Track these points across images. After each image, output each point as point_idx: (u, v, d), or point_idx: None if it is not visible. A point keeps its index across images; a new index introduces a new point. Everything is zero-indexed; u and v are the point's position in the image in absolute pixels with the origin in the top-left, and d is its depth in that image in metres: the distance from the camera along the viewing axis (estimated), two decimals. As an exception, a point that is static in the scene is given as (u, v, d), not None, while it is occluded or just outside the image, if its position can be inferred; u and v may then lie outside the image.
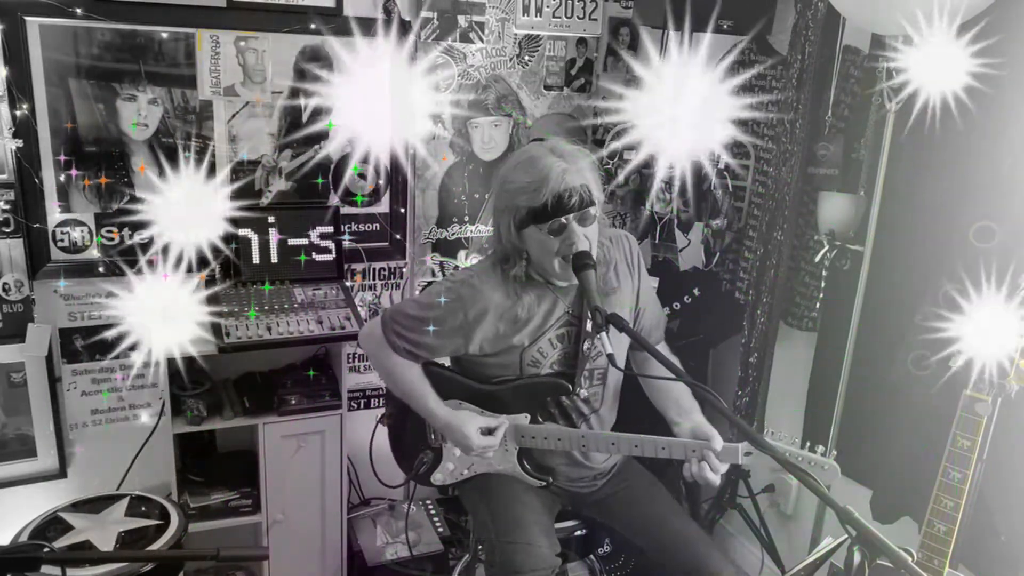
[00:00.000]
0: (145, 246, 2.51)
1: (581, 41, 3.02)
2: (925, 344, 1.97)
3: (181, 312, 2.21)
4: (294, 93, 2.63)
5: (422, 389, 2.03)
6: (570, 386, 1.99)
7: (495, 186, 1.93)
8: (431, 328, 1.96)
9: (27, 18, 2.27)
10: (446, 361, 2.15)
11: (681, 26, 2.51)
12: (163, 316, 2.20)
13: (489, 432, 2.00)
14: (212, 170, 2.55)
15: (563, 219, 1.82)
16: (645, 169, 2.96)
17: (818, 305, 2.45)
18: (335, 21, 2.59)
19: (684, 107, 2.03)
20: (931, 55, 1.75)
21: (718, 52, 2.78)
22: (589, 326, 1.90)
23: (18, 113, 2.31)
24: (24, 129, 2.33)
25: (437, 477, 2.14)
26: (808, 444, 1.80)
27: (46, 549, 1.51)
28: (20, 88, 2.30)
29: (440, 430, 2.06)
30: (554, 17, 2.95)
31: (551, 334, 1.99)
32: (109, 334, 2.32)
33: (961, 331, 1.74)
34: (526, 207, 1.83)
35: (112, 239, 2.53)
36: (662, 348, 2.18)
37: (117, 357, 2.55)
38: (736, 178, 2.69)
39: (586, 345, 1.98)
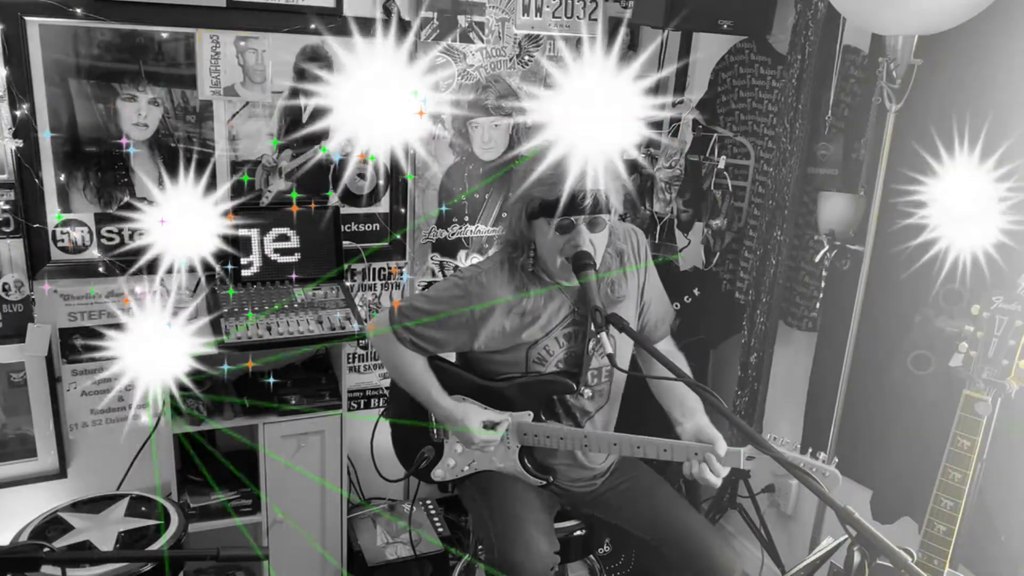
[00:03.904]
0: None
1: (581, 41, 3.02)
2: (925, 344, 1.97)
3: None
4: (294, 93, 2.62)
5: (427, 380, 2.04)
6: (574, 385, 1.99)
7: (516, 172, 1.92)
8: (438, 322, 1.97)
9: (27, 18, 2.27)
10: (453, 356, 2.15)
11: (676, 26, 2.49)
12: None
13: (492, 427, 2.01)
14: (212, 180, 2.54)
15: (572, 219, 1.81)
16: (643, 169, 2.95)
17: (818, 305, 2.45)
18: (335, 21, 2.58)
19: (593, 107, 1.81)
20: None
21: (718, 51, 2.79)
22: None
23: (18, 113, 2.31)
24: (24, 129, 2.33)
25: (437, 473, 2.13)
26: (810, 450, 1.78)
27: (46, 549, 1.50)
28: (20, 88, 2.30)
29: (442, 420, 2.06)
30: (554, 17, 2.95)
31: (557, 332, 1.99)
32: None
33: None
34: (540, 198, 1.82)
35: (112, 239, 2.53)
36: (668, 343, 2.19)
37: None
38: (736, 178, 2.69)
39: (590, 344, 1.98)
